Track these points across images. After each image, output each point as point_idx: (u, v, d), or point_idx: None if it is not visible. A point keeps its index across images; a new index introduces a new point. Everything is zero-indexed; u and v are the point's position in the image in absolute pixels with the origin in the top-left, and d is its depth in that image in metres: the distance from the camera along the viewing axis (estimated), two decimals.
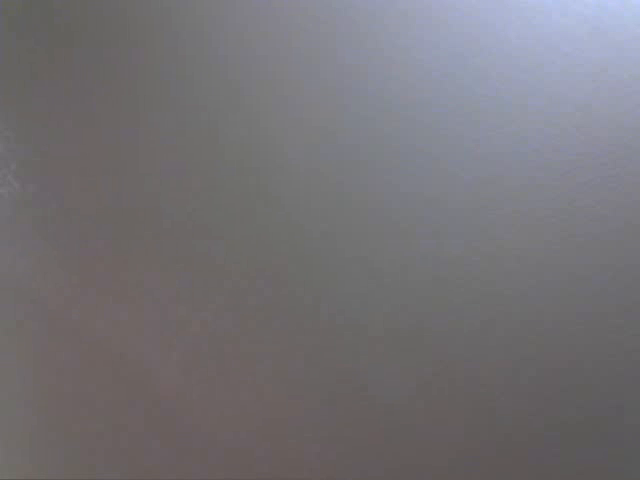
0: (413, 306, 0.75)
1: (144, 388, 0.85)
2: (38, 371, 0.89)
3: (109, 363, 0.86)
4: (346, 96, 0.78)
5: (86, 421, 0.87)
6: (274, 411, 0.80)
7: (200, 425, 0.82)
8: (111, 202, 0.87)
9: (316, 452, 0.78)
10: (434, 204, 0.75)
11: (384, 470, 0.76)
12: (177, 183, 0.85)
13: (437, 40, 0.75)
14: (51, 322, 0.89)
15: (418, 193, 0.75)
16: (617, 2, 0.69)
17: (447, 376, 0.74)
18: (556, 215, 0.71)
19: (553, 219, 0.71)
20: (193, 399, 0.83)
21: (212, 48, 0.84)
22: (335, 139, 0.78)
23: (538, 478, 0.71)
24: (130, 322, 0.85)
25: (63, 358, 0.88)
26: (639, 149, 0.68)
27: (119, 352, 0.86)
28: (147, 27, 0.87)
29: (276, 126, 0.81)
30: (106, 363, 0.86)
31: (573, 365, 0.70)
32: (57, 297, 0.89)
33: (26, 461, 0.90)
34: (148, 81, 0.86)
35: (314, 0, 0.80)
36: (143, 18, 0.87)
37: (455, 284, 0.73)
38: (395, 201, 0.76)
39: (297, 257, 0.79)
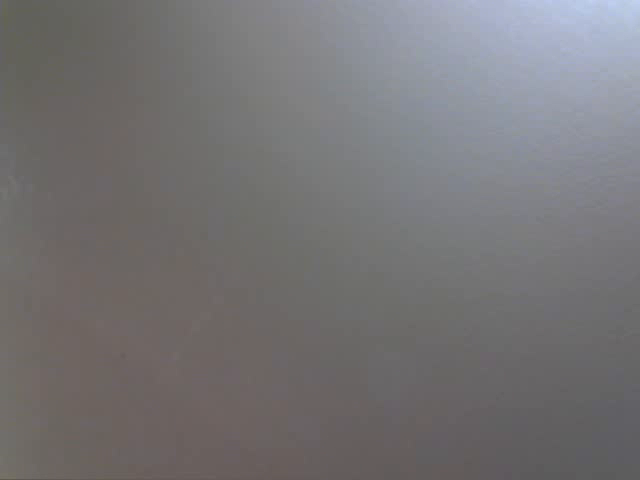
0: (413, 306, 0.75)
1: (144, 388, 0.85)
2: (38, 371, 0.89)
3: (109, 363, 0.86)
4: (346, 96, 0.78)
5: (86, 421, 0.87)
6: (274, 411, 0.80)
7: (200, 425, 0.82)
8: (111, 202, 0.87)
9: (316, 452, 0.78)
10: (434, 204, 0.75)
11: (384, 470, 0.76)
12: (177, 183, 0.85)
13: (437, 40, 0.75)
14: (51, 322, 0.89)
15: (418, 193, 0.75)
16: (617, 2, 0.69)
17: (447, 376, 0.74)
18: (556, 215, 0.71)
19: (553, 219, 0.71)
20: (193, 399, 0.83)
21: (212, 48, 0.84)
22: (335, 139, 0.78)
23: (538, 478, 0.71)
24: (130, 322, 0.85)
25: (63, 358, 0.88)
26: (639, 149, 0.68)
27: (119, 352, 0.86)
28: (147, 27, 0.87)
29: (276, 126, 0.81)
30: (106, 363, 0.86)
31: (573, 365, 0.70)
32: (57, 297, 0.89)
33: (26, 461, 0.90)
34: (148, 81, 0.86)
35: (314, 0, 0.80)
36: (144, 18, 0.87)
37: (455, 284, 0.73)
38: (395, 201, 0.76)
39: (297, 257, 0.79)
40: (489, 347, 0.72)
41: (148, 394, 0.84)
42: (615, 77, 0.69)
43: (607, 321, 0.69)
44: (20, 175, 0.92)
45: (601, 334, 0.69)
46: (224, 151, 0.83)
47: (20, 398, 0.90)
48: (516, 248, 0.72)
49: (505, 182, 0.72)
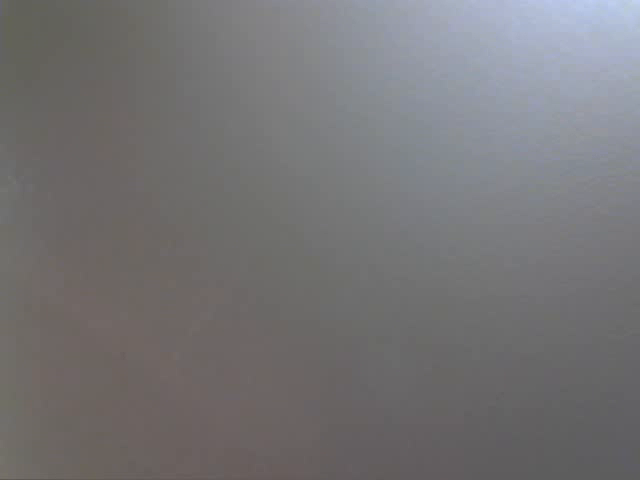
0: (413, 306, 0.75)
1: (144, 388, 0.85)
2: (38, 371, 0.89)
3: (109, 363, 0.86)
4: (346, 96, 0.78)
5: (86, 421, 0.87)
6: (274, 411, 0.80)
7: (200, 425, 0.82)
8: (111, 202, 0.87)
9: (316, 452, 0.78)
10: (434, 204, 0.75)
11: (384, 470, 0.76)
12: (177, 183, 0.85)
13: (437, 40, 0.75)
14: (51, 322, 0.89)
15: (418, 193, 0.75)
16: (617, 2, 0.69)
17: (447, 376, 0.74)
18: (556, 215, 0.71)
19: (553, 219, 0.71)
20: (193, 399, 0.83)
21: (211, 48, 0.84)
22: (335, 139, 0.78)
23: (538, 478, 0.71)
24: (130, 322, 0.85)
25: (63, 358, 0.88)
26: (639, 149, 0.68)
27: (119, 352, 0.86)
28: (147, 27, 0.87)
29: (276, 126, 0.81)
30: (106, 363, 0.86)
31: (573, 365, 0.70)
32: (57, 297, 0.89)
33: (26, 461, 0.90)
34: (148, 81, 0.86)
35: (314, 0, 0.80)
36: (144, 18, 0.87)
37: (455, 284, 0.73)
38: (395, 201, 0.76)
39: (297, 257, 0.79)
40: (489, 347, 0.72)
41: (148, 394, 0.84)
42: (615, 77, 0.69)
43: (607, 321, 0.69)
44: (20, 175, 0.92)
45: (601, 334, 0.69)
46: (224, 151, 0.83)
47: (20, 398, 0.90)
48: (516, 248, 0.72)
49: (505, 182, 0.72)
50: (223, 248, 0.82)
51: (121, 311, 0.86)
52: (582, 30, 0.70)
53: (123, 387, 0.85)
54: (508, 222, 0.72)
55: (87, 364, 0.87)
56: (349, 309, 0.77)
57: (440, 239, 0.74)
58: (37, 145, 0.91)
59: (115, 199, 0.87)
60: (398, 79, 0.76)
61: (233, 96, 0.83)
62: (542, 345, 0.71)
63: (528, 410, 0.71)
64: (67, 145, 0.90)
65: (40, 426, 0.89)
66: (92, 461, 0.86)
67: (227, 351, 0.82)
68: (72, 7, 0.90)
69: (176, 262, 0.84)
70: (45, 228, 0.90)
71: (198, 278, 0.83)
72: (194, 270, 0.83)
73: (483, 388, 0.72)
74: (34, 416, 0.89)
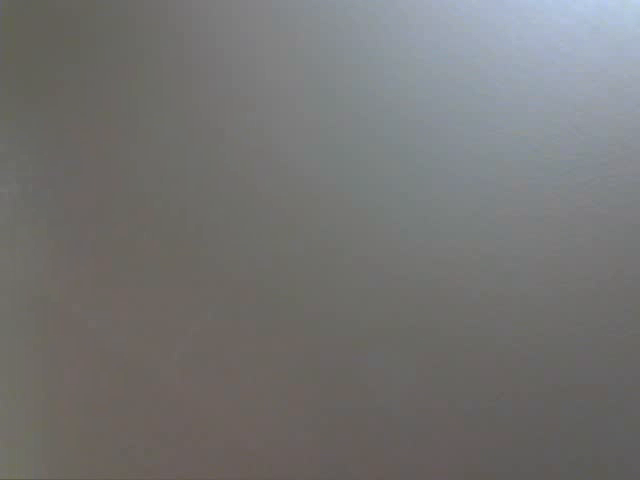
0: (413, 306, 0.75)
1: (144, 388, 0.85)
2: (38, 371, 0.89)
3: (109, 363, 0.86)
4: (346, 96, 0.78)
5: (86, 421, 0.87)
6: (274, 411, 0.80)
7: (200, 425, 0.82)
8: (111, 202, 0.87)
9: (316, 452, 0.78)
10: (434, 204, 0.75)
11: (384, 470, 0.76)
12: (177, 183, 0.85)
13: (437, 40, 0.75)
14: (51, 322, 0.89)
15: (418, 193, 0.75)
16: (617, 2, 0.69)
17: (447, 376, 0.74)
18: (556, 215, 0.71)
19: (553, 219, 0.71)
20: (193, 399, 0.83)
21: (212, 48, 0.84)
22: (335, 139, 0.78)
23: (538, 478, 0.71)
24: (130, 322, 0.85)
25: (63, 357, 0.88)
26: (639, 149, 0.68)
27: (119, 352, 0.86)
28: (147, 27, 0.87)
29: (276, 126, 0.81)
30: (106, 363, 0.86)
31: (573, 365, 0.70)
32: (57, 297, 0.89)
33: (26, 461, 0.90)
34: (148, 81, 0.86)
35: (314, 0, 0.80)
36: (144, 18, 0.87)
37: (455, 284, 0.73)
38: (395, 201, 0.76)
39: (297, 257, 0.79)
40: (489, 347, 0.72)
41: (148, 394, 0.84)
42: (615, 77, 0.69)
43: (607, 321, 0.69)
44: (20, 175, 0.92)
45: (601, 334, 0.69)
46: (224, 151, 0.83)
47: (20, 398, 0.90)
48: (516, 248, 0.72)
49: (505, 182, 0.72)
50: (223, 248, 0.82)
51: (121, 311, 0.86)
52: (582, 30, 0.70)
53: (123, 387, 0.85)
54: (508, 222, 0.72)
55: (87, 364, 0.87)
56: (349, 309, 0.77)
57: (440, 239, 0.74)
58: (37, 145, 0.91)
59: (115, 199, 0.87)
60: (398, 79, 0.76)
61: (233, 96, 0.83)
62: (542, 345, 0.71)
63: (528, 410, 0.71)
64: (67, 145, 0.90)
65: (40, 426, 0.89)
66: (92, 461, 0.86)
67: (227, 351, 0.82)
68: (72, 7, 0.90)
69: (176, 262, 0.84)
70: (45, 228, 0.90)
71: (198, 278, 0.83)
72: (194, 270, 0.83)
73: (483, 388, 0.72)
74: (34, 416, 0.89)
